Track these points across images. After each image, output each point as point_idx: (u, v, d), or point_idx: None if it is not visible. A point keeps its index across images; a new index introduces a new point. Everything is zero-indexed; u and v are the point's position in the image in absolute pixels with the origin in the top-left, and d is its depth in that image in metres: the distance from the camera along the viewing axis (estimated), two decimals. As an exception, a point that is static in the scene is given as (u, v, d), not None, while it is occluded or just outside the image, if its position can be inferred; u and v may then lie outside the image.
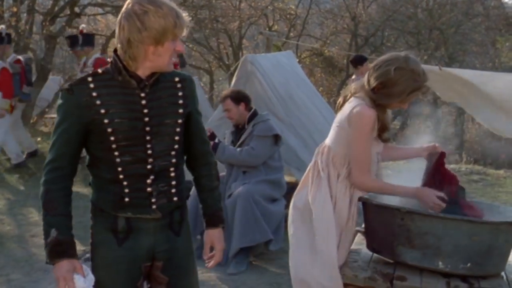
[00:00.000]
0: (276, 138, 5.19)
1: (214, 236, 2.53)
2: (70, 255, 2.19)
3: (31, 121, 13.55)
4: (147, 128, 2.23)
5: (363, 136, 2.73)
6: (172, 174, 2.32)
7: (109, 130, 2.18)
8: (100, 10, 15.52)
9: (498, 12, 18.24)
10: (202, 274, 4.88)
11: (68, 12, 13.29)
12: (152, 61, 2.19)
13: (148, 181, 2.26)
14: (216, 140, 5.15)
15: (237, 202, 4.90)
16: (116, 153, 2.21)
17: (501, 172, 9.37)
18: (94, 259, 2.35)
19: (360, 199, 2.78)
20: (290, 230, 3.01)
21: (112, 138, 2.19)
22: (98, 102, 2.18)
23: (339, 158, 2.86)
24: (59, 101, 2.21)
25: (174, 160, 2.32)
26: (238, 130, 5.32)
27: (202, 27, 16.65)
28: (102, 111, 2.18)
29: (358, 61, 8.08)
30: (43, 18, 13.31)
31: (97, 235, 2.34)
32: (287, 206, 4.05)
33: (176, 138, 2.31)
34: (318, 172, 2.90)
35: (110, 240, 2.30)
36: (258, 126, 5.17)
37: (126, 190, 2.24)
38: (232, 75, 7.37)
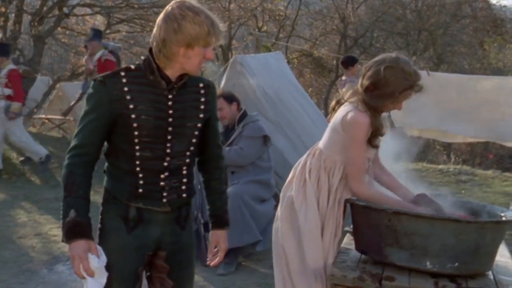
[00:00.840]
0: (265, 139, 5.19)
1: (220, 236, 2.68)
2: (87, 236, 2.27)
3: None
4: (170, 129, 2.36)
5: (357, 143, 2.73)
6: (184, 172, 2.45)
7: (135, 125, 2.30)
8: (88, 11, 15.45)
9: (486, 13, 18.37)
10: (191, 275, 4.88)
11: (57, 13, 13.23)
12: (181, 63, 2.30)
13: (162, 176, 2.39)
14: None
15: (226, 203, 4.89)
16: (137, 147, 2.33)
17: (489, 172, 9.43)
18: (102, 243, 2.42)
19: (347, 201, 2.78)
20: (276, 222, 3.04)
21: (136, 133, 2.31)
22: (128, 97, 2.29)
23: (330, 162, 2.86)
24: (90, 91, 2.31)
25: (188, 160, 2.45)
26: (228, 130, 5.32)
27: (192, 28, 16.58)
28: (131, 106, 2.29)
29: (349, 62, 8.09)
30: (31, 18, 13.23)
31: (108, 221, 2.43)
32: (276, 207, 4.05)
33: (194, 140, 2.45)
34: (305, 177, 2.91)
35: (120, 227, 2.40)
36: (248, 127, 5.17)
37: (141, 182, 2.36)
38: (221, 75, 7.36)
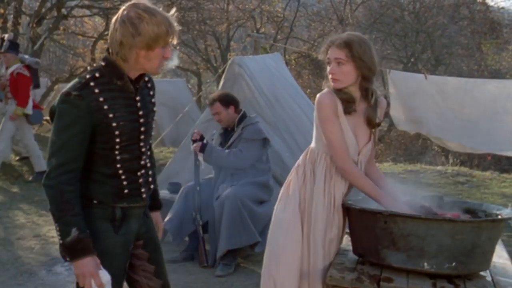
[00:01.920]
0: (265, 141, 5.20)
1: (159, 217, 2.85)
2: (92, 252, 2.31)
3: (18, 123, 13.44)
4: (142, 129, 2.45)
5: (327, 121, 2.74)
6: (149, 165, 2.57)
7: (117, 132, 2.35)
8: (87, 12, 15.46)
9: (484, 16, 18.39)
10: (190, 276, 4.89)
11: (55, 14, 13.23)
12: (142, 64, 2.34)
13: (139, 174, 2.49)
14: (204, 141, 5.15)
15: (225, 204, 4.90)
16: (116, 152, 2.39)
17: (487, 174, 9.45)
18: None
19: (343, 204, 2.78)
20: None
21: (117, 140, 2.36)
22: (105, 106, 2.31)
23: (314, 154, 2.87)
24: (65, 105, 2.28)
25: (149, 153, 2.59)
26: (227, 132, 5.32)
27: (190, 29, 16.63)
28: (111, 115, 2.32)
29: None
30: (30, 19, 13.23)
31: (94, 226, 2.42)
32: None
33: (152, 133, 2.59)
34: (293, 173, 2.93)
35: (108, 229, 2.45)
36: (247, 129, 5.17)
37: (125, 183, 2.44)
38: (220, 77, 7.37)
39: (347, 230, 2.95)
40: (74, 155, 2.30)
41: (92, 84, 2.31)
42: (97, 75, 2.33)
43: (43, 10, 13.14)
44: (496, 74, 16.71)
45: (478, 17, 18.32)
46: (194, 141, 5.27)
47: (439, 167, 10.08)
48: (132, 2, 2.30)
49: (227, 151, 5.14)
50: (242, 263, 5.24)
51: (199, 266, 5.10)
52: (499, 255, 2.84)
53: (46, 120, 14.29)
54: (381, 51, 18.61)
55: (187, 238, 5.35)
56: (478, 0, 18.59)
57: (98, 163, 2.39)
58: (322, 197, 2.81)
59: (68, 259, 2.31)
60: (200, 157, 5.18)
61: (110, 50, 2.34)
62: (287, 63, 11.30)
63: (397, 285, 2.45)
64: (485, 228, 2.46)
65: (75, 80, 2.35)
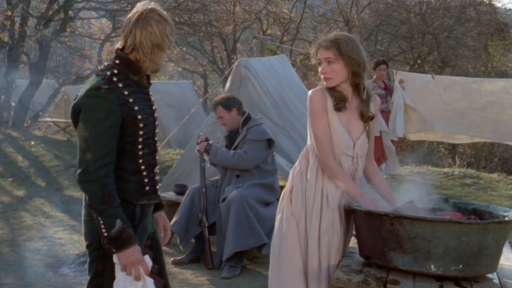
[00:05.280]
0: (270, 142, 5.20)
1: (164, 217, 2.84)
2: (136, 241, 2.38)
3: (25, 124, 13.53)
4: (156, 123, 2.57)
5: (314, 116, 2.81)
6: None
7: (141, 125, 2.43)
8: (94, 14, 15.51)
9: (490, 17, 18.32)
10: (196, 278, 4.89)
11: (62, 16, 13.27)
12: (155, 63, 2.49)
13: (155, 170, 2.57)
14: (210, 142, 5.17)
15: (231, 206, 4.91)
16: (139, 146, 2.46)
17: (494, 175, 9.40)
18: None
19: (349, 207, 2.78)
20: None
21: (141, 133, 2.44)
22: (130, 100, 2.41)
23: (307, 149, 2.92)
24: (96, 100, 2.35)
25: None
26: (232, 134, 5.33)
27: (196, 31, 16.65)
28: (136, 107, 2.42)
29: None
30: (37, 21, 13.29)
31: None
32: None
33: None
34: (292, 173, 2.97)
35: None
36: (252, 130, 5.18)
37: (146, 180, 2.50)
38: (226, 79, 7.37)
39: (353, 232, 2.95)
40: (109, 148, 2.35)
41: (115, 79, 2.40)
42: (115, 71, 2.43)
43: (50, 12, 13.19)
44: (503, 76, 16.62)
45: (484, 19, 18.24)
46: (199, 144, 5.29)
47: (445, 169, 10.04)
48: (150, 6, 2.45)
49: (232, 152, 5.14)
50: (248, 265, 5.24)
51: (205, 268, 5.11)
52: (506, 257, 2.82)
53: (53, 122, 14.37)
54: (387, 53, 18.59)
55: (193, 240, 5.36)
56: (484, 2, 18.52)
57: (122, 159, 2.43)
58: (313, 191, 2.85)
59: (114, 250, 2.34)
60: (206, 157, 5.20)
61: (126, 48, 2.44)
62: (293, 65, 11.29)
63: (404, 287, 2.44)
64: (492, 230, 2.45)
65: (96, 78, 2.42)
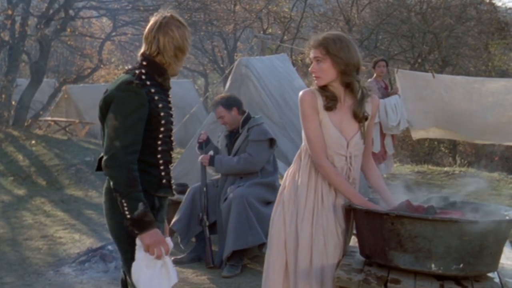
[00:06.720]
0: (271, 142, 5.19)
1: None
2: (155, 224, 2.55)
3: (25, 123, 13.53)
4: (174, 123, 2.76)
5: (305, 117, 2.84)
6: None
7: (163, 122, 2.63)
8: (94, 13, 15.50)
9: (491, 16, 18.29)
10: (197, 277, 4.89)
11: (63, 15, 13.27)
12: (177, 65, 2.72)
13: (171, 167, 2.75)
14: (211, 153, 5.16)
15: (232, 205, 4.91)
16: (159, 142, 2.65)
17: (495, 175, 9.40)
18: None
19: (349, 206, 2.78)
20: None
21: (162, 129, 2.63)
22: (156, 97, 2.62)
23: (301, 151, 2.94)
24: (128, 93, 2.54)
25: None
26: (232, 134, 5.32)
27: (197, 30, 16.64)
28: (160, 105, 2.62)
29: None
30: (37, 21, 13.29)
31: None
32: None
33: None
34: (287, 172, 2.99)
35: None
36: (253, 130, 5.17)
37: (163, 174, 2.69)
38: (226, 78, 7.37)
39: (354, 231, 2.95)
40: (137, 138, 2.53)
41: (143, 77, 2.61)
42: (143, 71, 2.63)
43: (51, 11, 13.19)
44: (504, 75, 16.60)
45: (485, 18, 18.21)
46: (200, 143, 5.28)
47: (446, 168, 10.05)
48: (169, 14, 2.67)
49: (236, 158, 5.12)
50: (249, 264, 5.24)
51: (206, 267, 5.11)
52: (507, 257, 2.83)
53: (53, 121, 14.37)
54: (388, 52, 18.58)
55: (194, 239, 5.36)
56: (485, 1, 18.50)
57: (144, 152, 2.59)
58: (305, 191, 2.85)
59: (136, 232, 2.49)
60: (211, 170, 5.21)
61: (152, 52, 2.64)
62: (293, 64, 11.29)
63: (405, 286, 2.44)
64: (493, 229, 2.45)
65: (126, 75, 2.61)
